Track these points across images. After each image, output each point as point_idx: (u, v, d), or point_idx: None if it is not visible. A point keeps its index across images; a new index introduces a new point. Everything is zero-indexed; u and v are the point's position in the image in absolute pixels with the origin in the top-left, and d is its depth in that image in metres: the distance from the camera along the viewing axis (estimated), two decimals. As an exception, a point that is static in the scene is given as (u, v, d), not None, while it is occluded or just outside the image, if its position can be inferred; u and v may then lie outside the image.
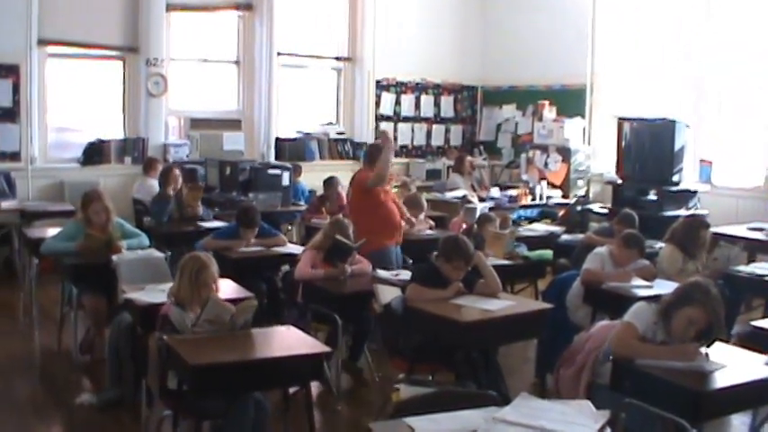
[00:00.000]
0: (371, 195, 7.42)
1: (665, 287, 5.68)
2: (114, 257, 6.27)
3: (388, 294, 5.61)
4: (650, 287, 6.13)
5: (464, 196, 10.31)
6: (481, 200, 10.43)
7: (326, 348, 4.68)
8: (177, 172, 9.09)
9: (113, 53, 11.07)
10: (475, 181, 11.73)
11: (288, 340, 4.66)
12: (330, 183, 9.92)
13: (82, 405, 5.74)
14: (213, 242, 7.36)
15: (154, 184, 9.42)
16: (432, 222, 8.96)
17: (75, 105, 11.10)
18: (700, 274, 6.30)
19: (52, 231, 7.26)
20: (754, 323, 5.42)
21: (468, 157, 12.18)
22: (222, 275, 5.36)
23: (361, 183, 7.54)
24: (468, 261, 5.56)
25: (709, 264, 7.05)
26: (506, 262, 7.14)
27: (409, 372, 5.20)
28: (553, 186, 11.73)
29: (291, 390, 4.78)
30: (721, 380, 4.14)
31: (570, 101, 12.54)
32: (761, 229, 8.83)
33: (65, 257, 6.62)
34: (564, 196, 11.62)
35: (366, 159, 7.87)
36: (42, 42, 10.37)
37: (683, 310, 4.41)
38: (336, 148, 12.86)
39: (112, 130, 11.18)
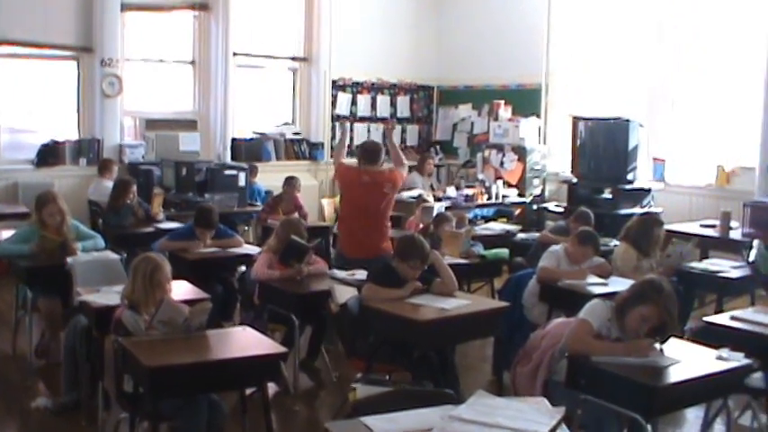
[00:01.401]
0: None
1: (619, 284, 5.75)
2: (69, 259, 6.21)
3: (344, 294, 5.61)
4: (605, 284, 6.18)
5: (420, 195, 10.32)
6: (437, 199, 10.45)
7: (283, 349, 4.67)
8: (135, 188, 8.89)
9: (67, 53, 10.93)
10: (434, 182, 11.76)
11: (244, 341, 4.66)
12: (290, 182, 9.87)
13: (38, 409, 5.69)
14: (169, 243, 7.31)
15: (109, 185, 9.29)
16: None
17: (29, 106, 10.97)
18: (654, 272, 6.39)
19: (6, 234, 7.14)
20: (707, 319, 5.49)
21: (430, 159, 12.25)
22: (178, 277, 5.35)
23: (399, 179, 7.35)
24: (424, 260, 5.58)
25: (662, 261, 7.12)
26: (463, 261, 7.15)
27: (366, 371, 5.20)
28: (509, 185, 11.76)
29: (248, 391, 4.77)
30: (675, 375, 4.19)
31: (526, 100, 12.59)
32: (713, 226, 8.94)
33: (19, 260, 6.55)
34: (520, 195, 11.67)
35: (369, 159, 7.28)
36: (-6, 42, 10.26)
37: (636, 307, 4.46)
38: (293, 148, 12.80)
39: (67, 131, 11.06)
